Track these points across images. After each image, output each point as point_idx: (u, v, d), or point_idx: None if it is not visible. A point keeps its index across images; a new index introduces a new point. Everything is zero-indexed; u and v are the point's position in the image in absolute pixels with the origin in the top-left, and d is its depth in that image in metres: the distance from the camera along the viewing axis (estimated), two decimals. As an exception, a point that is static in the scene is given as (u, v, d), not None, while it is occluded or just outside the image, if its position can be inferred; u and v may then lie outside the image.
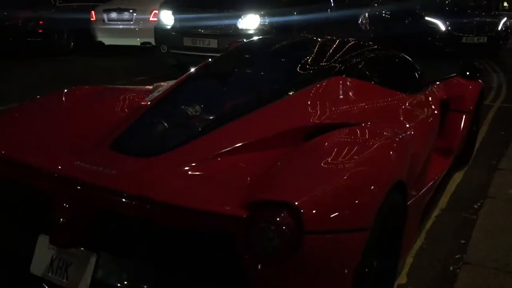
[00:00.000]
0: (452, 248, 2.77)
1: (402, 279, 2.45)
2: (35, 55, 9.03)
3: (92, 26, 9.49)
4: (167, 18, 7.25)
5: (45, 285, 1.85)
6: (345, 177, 1.76)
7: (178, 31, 7.11)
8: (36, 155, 1.97)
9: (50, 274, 1.82)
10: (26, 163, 1.93)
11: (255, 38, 5.13)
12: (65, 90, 2.67)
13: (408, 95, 2.92)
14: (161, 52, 7.29)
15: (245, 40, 4.64)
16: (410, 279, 2.46)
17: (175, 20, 7.15)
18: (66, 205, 1.76)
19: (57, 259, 1.82)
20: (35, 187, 1.93)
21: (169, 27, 7.21)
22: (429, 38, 10.49)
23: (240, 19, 6.80)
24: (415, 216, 2.46)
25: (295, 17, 7.35)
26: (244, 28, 6.81)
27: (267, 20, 6.84)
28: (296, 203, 1.53)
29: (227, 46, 4.18)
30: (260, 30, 6.79)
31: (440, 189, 3.46)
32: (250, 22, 6.82)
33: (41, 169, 1.88)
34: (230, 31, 6.83)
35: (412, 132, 2.43)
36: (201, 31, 6.96)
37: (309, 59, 2.87)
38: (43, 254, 1.86)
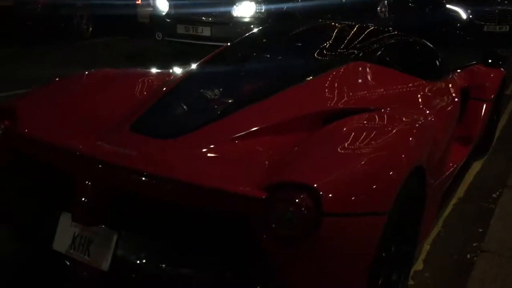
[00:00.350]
0: (469, 236, 2.76)
1: (418, 265, 2.45)
2: (54, 39, 9.08)
3: (137, 10, 9.98)
4: (162, 4, 7.08)
5: (67, 262, 1.89)
6: (364, 161, 1.75)
7: (172, 18, 6.94)
8: (58, 135, 2.00)
9: (72, 250, 1.86)
10: (49, 143, 1.97)
11: (274, 23, 5.08)
12: (86, 72, 2.70)
13: (429, 82, 2.89)
14: (156, 39, 7.15)
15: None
16: (426, 266, 2.46)
17: (170, 6, 6.97)
18: (88, 183, 1.80)
19: (79, 237, 1.86)
20: (58, 166, 1.97)
21: (163, 14, 7.04)
22: (450, 27, 10.30)
23: (234, 6, 6.56)
24: (434, 203, 2.45)
25: (298, 4, 7.02)
26: (238, 15, 6.56)
27: (263, 7, 6.56)
28: (315, 185, 1.54)
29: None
30: (256, 18, 6.50)
31: (458, 178, 3.42)
32: (245, 9, 6.55)
33: (63, 149, 1.91)
34: (224, 19, 6.60)
35: (432, 119, 2.41)
36: (194, 18, 6.76)
37: (328, 44, 2.85)
38: (65, 231, 1.90)
